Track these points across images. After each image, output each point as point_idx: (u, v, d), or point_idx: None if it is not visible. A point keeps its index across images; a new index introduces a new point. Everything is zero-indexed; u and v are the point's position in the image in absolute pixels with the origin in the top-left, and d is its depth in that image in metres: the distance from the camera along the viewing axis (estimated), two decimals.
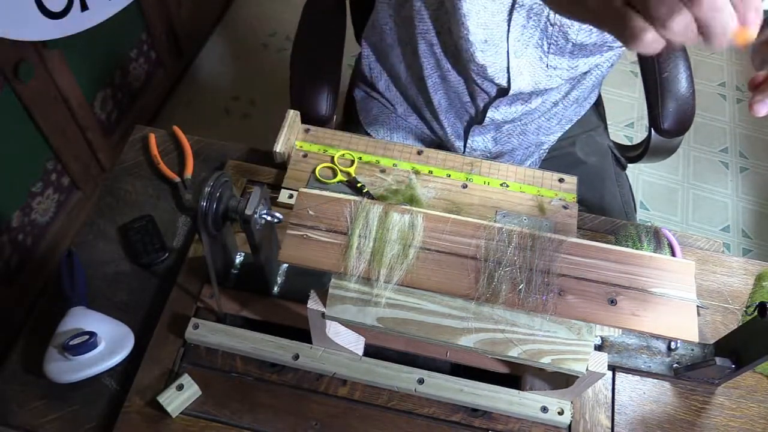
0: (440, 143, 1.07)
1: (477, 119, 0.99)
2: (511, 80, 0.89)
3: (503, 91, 0.91)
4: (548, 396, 0.71)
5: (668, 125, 1.06)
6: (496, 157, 1.05)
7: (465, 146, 1.03)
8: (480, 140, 1.02)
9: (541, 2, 0.79)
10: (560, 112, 1.02)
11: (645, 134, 1.13)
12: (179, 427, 0.70)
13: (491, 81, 0.90)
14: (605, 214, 0.97)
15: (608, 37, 0.85)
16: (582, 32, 0.84)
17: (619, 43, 0.84)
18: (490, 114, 0.96)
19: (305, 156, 0.89)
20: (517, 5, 0.81)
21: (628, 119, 2.03)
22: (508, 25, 0.83)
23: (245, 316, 0.76)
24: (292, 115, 0.89)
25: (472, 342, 0.60)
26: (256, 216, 0.64)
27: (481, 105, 0.96)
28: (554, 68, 0.89)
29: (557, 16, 0.81)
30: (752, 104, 0.49)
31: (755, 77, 0.53)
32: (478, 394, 0.71)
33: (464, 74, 0.93)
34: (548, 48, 0.86)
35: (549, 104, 0.98)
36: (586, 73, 0.95)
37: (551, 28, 0.83)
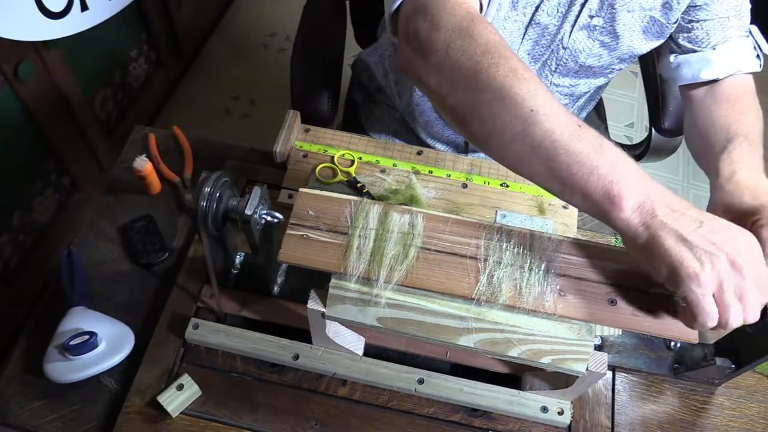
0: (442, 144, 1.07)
1: None
2: None
3: None
4: (548, 396, 0.71)
5: (669, 124, 1.05)
6: None
7: (468, 148, 1.03)
8: None
9: (556, 25, 0.80)
10: None
11: (645, 134, 1.13)
12: (179, 427, 0.70)
13: None
14: None
15: (614, 60, 0.85)
16: (592, 57, 0.84)
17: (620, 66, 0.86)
18: None
19: (305, 156, 0.89)
20: (533, 23, 0.81)
21: (628, 119, 2.03)
22: (522, 39, 0.83)
23: (245, 316, 0.76)
24: (292, 115, 0.89)
25: (472, 342, 0.60)
26: (256, 216, 0.64)
27: None
28: (556, 86, 0.89)
29: (571, 40, 0.82)
30: None
31: None
32: (478, 394, 0.71)
33: None
34: (555, 68, 0.86)
35: None
36: (585, 92, 0.95)
37: (563, 51, 0.83)
